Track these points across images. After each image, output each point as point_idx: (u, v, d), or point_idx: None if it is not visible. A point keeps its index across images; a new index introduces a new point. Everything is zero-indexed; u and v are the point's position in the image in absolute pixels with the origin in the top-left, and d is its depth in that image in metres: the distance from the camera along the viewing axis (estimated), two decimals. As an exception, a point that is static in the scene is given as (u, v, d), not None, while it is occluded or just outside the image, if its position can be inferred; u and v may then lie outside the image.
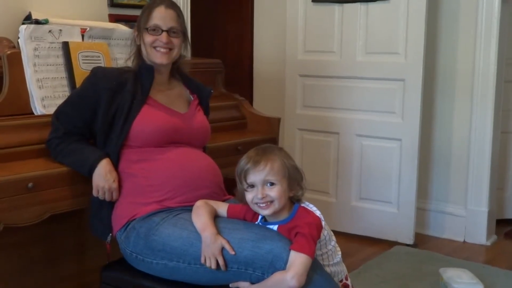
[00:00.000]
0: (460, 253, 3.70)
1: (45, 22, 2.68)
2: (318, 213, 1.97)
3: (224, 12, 5.12)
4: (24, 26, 2.49)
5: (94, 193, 2.15)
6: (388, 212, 3.88)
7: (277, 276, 1.85)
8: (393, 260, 3.51)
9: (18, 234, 2.34)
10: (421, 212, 3.99)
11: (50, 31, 2.56)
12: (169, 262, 2.00)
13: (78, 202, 2.26)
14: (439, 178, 4.01)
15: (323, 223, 1.95)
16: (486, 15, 3.70)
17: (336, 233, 3.83)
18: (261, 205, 1.91)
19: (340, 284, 2.10)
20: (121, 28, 2.93)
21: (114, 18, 3.34)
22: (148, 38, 2.28)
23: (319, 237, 1.93)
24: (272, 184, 1.90)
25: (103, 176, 2.13)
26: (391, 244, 3.79)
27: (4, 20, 2.84)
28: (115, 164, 2.20)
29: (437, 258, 3.54)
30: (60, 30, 2.59)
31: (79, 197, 2.25)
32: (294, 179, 1.94)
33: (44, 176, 2.14)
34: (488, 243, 3.86)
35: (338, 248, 2.14)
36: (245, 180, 1.92)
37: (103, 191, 2.13)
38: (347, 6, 3.90)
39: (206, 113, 2.50)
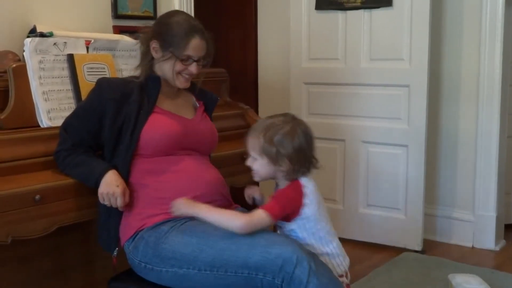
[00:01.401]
0: (469, 258, 3.69)
1: (50, 35, 2.68)
2: (307, 191, 2.04)
3: (228, 20, 5.13)
4: (29, 39, 2.50)
5: (100, 200, 2.14)
6: (396, 219, 3.87)
7: (231, 214, 2.01)
8: (401, 267, 3.50)
9: (26, 246, 2.34)
10: (429, 218, 3.98)
11: (55, 43, 2.57)
12: (179, 269, 2.00)
13: (85, 214, 2.25)
14: (446, 184, 4.00)
15: (307, 200, 2.01)
16: (490, 19, 3.70)
17: (344, 240, 3.81)
18: (252, 172, 2.10)
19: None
20: (126, 39, 2.94)
21: (118, 30, 3.35)
22: (179, 66, 2.24)
23: (292, 206, 2.00)
24: (253, 157, 2.07)
25: (108, 182, 2.12)
26: (399, 250, 3.78)
27: (9, 33, 2.86)
28: (126, 175, 2.19)
29: (446, 264, 3.52)
30: (65, 42, 2.60)
31: (86, 209, 2.25)
32: (275, 159, 2.02)
33: (51, 188, 2.14)
34: (497, 248, 3.84)
35: (332, 239, 2.11)
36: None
37: (108, 197, 2.11)
38: (351, 13, 3.91)
39: (211, 120, 2.51)
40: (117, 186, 2.11)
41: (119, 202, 2.11)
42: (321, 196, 2.11)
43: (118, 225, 2.20)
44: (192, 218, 2.10)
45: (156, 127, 2.21)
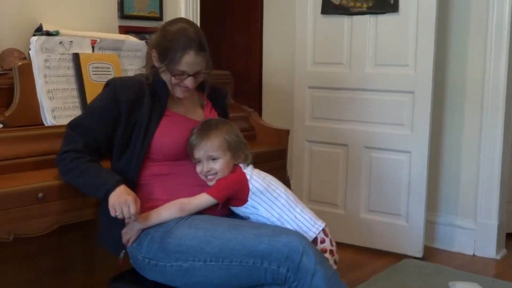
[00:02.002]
0: (470, 266, 3.68)
1: (56, 33, 2.69)
2: (247, 170, 2.19)
3: (233, 23, 5.13)
4: (35, 38, 2.51)
5: (112, 213, 2.04)
6: (397, 225, 3.87)
7: (169, 205, 2.10)
8: (402, 273, 3.49)
9: (28, 244, 2.34)
10: (430, 225, 3.97)
11: (60, 42, 2.57)
12: (183, 263, 2.00)
13: (87, 213, 2.25)
14: (449, 191, 4.00)
15: (247, 177, 2.15)
16: (496, 26, 3.69)
17: (345, 246, 3.89)
18: (209, 177, 2.16)
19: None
20: (131, 39, 2.94)
21: (124, 30, 3.36)
22: (174, 80, 2.21)
23: (234, 187, 2.14)
24: (215, 158, 2.15)
25: (118, 194, 2.04)
26: (400, 257, 3.77)
27: (15, 31, 2.86)
28: (136, 179, 2.17)
29: (447, 271, 3.51)
30: (71, 41, 2.61)
31: (88, 208, 2.25)
32: (237, 150, 2.19)
33: (54, 187, 2.14)
34: (498, 257, 3.83)
35: (295, 206, 2.18)
36: (193, 156, 2.17)
37: (119, 206, 2.01)
38: (356, 18, 3.91)
39: (226, 116, 2.49)
40: (128, 194, 2.05)
41: (132, 209, 2.01)
42: (264, 173, 2.24)
43: (122, 226, 2.16)
44: (198, 213, 2.12)
45: (168, 134, 2.20)
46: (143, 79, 2.28)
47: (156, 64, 2.26)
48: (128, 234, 2.13)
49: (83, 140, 2.15)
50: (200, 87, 2.39)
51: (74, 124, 2.20)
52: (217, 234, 2.00)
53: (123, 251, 2.20)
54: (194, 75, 2.22)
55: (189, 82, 2.21)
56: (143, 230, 2.11)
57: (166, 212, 2.10)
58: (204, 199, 2.12)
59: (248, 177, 2.16)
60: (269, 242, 1.93)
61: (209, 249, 1.98)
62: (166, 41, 2.21)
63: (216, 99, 2.47)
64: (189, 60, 2.18)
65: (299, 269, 1.90)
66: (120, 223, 2.14)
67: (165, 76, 2.25)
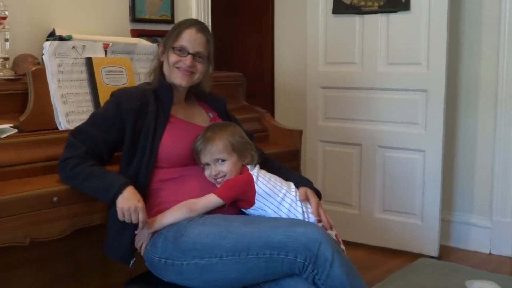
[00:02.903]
0: (486, 265, 3.66)
1: (69, 38, 2.71)
2: (253, 171, 2.21)
3: (244, 24, 5.14)
4: (48, 43, 2.53)
5: (120, 216, 2.06)
6: (412, 224, 3.85)
7: (179, 205, 2.12)
8: (418, 273, 3.48)
9: (43, 248, 2.35)
10: (446, 224, 3.95)
11: (73, 47, 2.59)
12: (200, 260, 2.00)
13: (102, 216, 2.26)
14: (464, 189, 3.97)
15: (253, 178, 2.17)
16: (509, 23, 3.66)
17: (360, 246, 3.88)
18: (218, 180, 2.19)
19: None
20: (143, 42, 2.96)
21: (136, 33, 3.37)
22: (173, 57, 2.26)
23: (241, 188, 2.16)
24: (222, 160, 2.18)
25: (126, 198, 2.05)
26: (415, 256, 3.76)
27: (29, 37, 2.88)
28: (146, 187, 2.17)
29: (463, 270, 3.49)
30: (84, 46, 2.63)
31: (103, 212, 2.25)
32: (242, 151, 2.22)
33: (69, 191, 2.15)
34: (515, 255, 3.81)
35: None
36: (200, 160, 2.20)
37: (128, 212, 2.04)
38: (368, 17, 3.90)
39: (234, 120, 2.50)
40: (138, 201, 2.05)
41: (141, 217, 2.04)
42: (270, 174, 2.26)
43: (132, 234, 2.16)
44: (210, 213, 2.13)
45: (174, 141, 2.21)
46: (147, 87, 2.31)
47: (160, 55, 2.33)
48: (140, 241, 2.15)
49: (85, 147, 2.16)
50: (201, 99, 2.45)
51: (76, 132, 2.22)
52: (231, 229, 2.01)
53: (134, 259, 2.19)
54: (194, 55, 2.25)
55: (188, 60, 2.25)
56: (155, 232, 2.12)
57: (175, 213, 2.11)
58: (211, 200, 2.13)
59: (254, 178, 2.17)
60: (285, 233, 1.94)
61: (224, 244, 1.98)
62: (171, 29, 2.32)
63: (218, 109, 2.49)
64: (189, 36, 2.26)
65: (318, 257, 1.91)
66: (128, 231, 2.15)
67: (168, 63, 2.28)
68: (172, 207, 2.13)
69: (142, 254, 2.17)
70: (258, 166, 2.26)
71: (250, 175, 2.19)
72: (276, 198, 2.16)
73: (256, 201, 2.15)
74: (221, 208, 2.15)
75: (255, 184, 2.16)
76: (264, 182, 2.18)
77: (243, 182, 2.17)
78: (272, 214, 2.15)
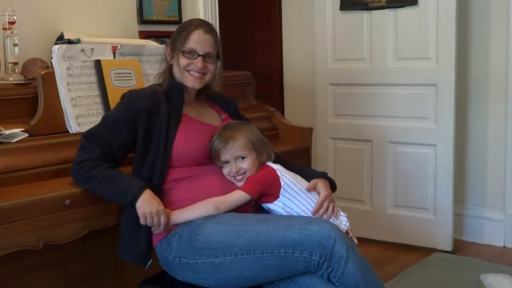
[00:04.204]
0: (501, 258, 3.64)
1: (77, 41, 2.72)
2: (274, 166, 2.24)
3: (252, 23, 5.14)
4: (57, 46, 2.54)
5: (142, 221, 2.07)
6: (425, 219, 3.84)
7: (205, 201, 2.12)
8: (432, 267, 3.47)
9: (57, 251, 2.36)
10: (459, 218, 3.94)
11: (82, 50, 2.60)
12: (214, 259, 2.01)
13: (115, 218, 2.27)
14: (476, 183, 3.96)
15: (278, 173, 2.20)
16: (518, 16, 3.65)
17: (373, 242, 3.88)
18: (237, 177, 2.21)
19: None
20: (152, 44, 2.96)
21: (144, 35, 3.38)
22: (183, 61, 2.27)
23: (266, 183, 2.17)
24: (243, 158, 2.20)
25: (147, 201, 2.07)
26: (429, 251, 3.75)
27: (38, 41, 2.89)
28: (160, 187, 2.18)
29: (477, 264, 3.48)
30: (92, 48, 2.64)
31: (116, 213, 2.26)
32: (260, 149, 2.25)
33: (81, 193, 2.15)
34: (529, 248, 3.79)
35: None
36: (219, 159, 2.21)
37: (151, 216, 2.06)
38: (375, 12, 3.89)
39: (245, 120, 2.50)
40: (159, 204, 2.08)
41: (162, 220, 2.07)
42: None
43: (148, 236, 2.17)
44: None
45: (187, 141, 2.22)
46: (157, 88, 2.32)
47: (169, 58, 2.34)
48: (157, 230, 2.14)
49: (100, 149, 2.16)
50: (212, 100, 2.46)
51: (89, 134, 2.21)
52: (246, 227, 2.01)
53: (151, 260, 2.19)
54: (204, 56, 2.27)
55: (199, 62, 2.26)
56: (170, 229, 2.13)
57: (201, 208, 2.11)
58: (238, 196, 2.14)
59: (279, 173, 2.19)
60: (300, 231, 1.94)
61: (239, 242, 1.98)
62: (177, 31, 2.32)
63: (230, 110, 2.50)
64: (198, 38, 2.27)
65: (333, 255, 1.91)
66: (144, 232, 2.15)
67: (176, 65, 2.29)
68: (199, 203, 2.13)
69: (155, 247, 2.18)
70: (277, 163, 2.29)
71: (274, 170, 2.21)
72: (300, 193, 2.19)
73: (280, 195, 2.16)
74: (248, 204, 2.16)
75: (280, 179, 2.17)
76: (289, 177, 2.20)
77: (268, 177, 2.19)
78: (295, 208, 2.16)
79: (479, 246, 3.88)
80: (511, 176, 3.79)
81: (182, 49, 2.27)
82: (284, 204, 2.16)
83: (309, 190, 2.21)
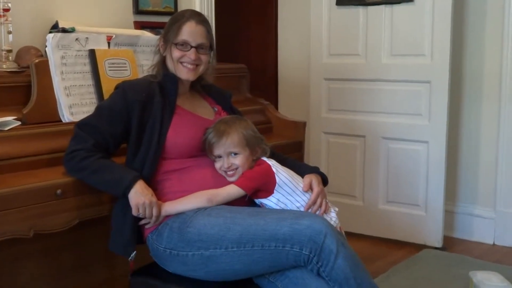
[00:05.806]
0: (490, 256, 3.66)
1: (72, 30, 2.71)
2: (270, 162, 2.23)
3: (248, 16, 5.13)
4: (51, 35, 2.53)
5: (134, 212, 2.08)
6: (416, 215, 3.85)
7: (198, 193, 2.12)
8: (421, 264, 3.48)
9: (48, 240, 2.36)
10: (449, 215, 3.95)
11: (77, 39, 2.59)
12: (205, 251, 2.01)
13: (106, 208, 2.26)
14: (467, 180, 3.97)
15: (273, 169, 2.19)
16: (513, 14, 3.66)
17: (364, 237, 3.89)
18: (229, 172, 2.19)
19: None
20: (147, 35, 2.95)
21: (139, 25, 3.37)
22: (176, 53, 2.27)
23: (262, 179, 2.17)
24: (235, 154, 2.19)
25: (140, 192, 2.08)
26: (419, 247, 3.76)
27: (32, 29, 2.88)
28: (152, 177, 2.18)
29: (467, 261, 3.50)
30: (87, 38, 2.62)
31: (107, 203, 2.26)
32: (254, 145, 2.23)
33: (72, 183, 2.15)
34: (518, 246, 3.81)
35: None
36: (212, 153, 2.21)
37: (143, 207, 2.07)
38: (372, 8, 3.89)
39: (238, 114, 2.50)
40: (152, 195, 2.09)
41: (155, 211, 2.09)
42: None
43: (133, 227, 2.15)
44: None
45: (181, 132, 2.22)
46: (152, 79, 2.32)
47: (162, 50, 2.33)
48: (147, 221, 2.14)
49: (93, 139, 2.16)
50: (206, 92, 2.46)
51: (82, 124, 2.21)
52: (237, 220, 2.01)
53: (134, 252, 2.16)
54: (197, 47, 2.26)
55: (192, 54, 2.26)
56: (161, 221, 2.13)
57: (194, 200, 2.11)
58: (233, 190, 2.14)
59: (274, 170, 2.19)
60: (291, 225, 1.94)
61: (230, 235, 1.99)
62: (169, 23, 2.32)
63: (224, 103, 2.50)
64: (190, 29, 2.26)
65: (322, 250, 1.91)
66: (129, 223, 2.14)
67: (169, 58, 2.29)
68: (192, 195, 2.13)
69: (147, 239, 2.18)
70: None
71: (269, 166, 2.20)
72: (295, 190, 2.19)
73: (274, 191, 2.16)
74: (241, 199, 2.16)
75: (275, 175, 2.17)
76: (284, 174, 2.20)
77: (264, 173, 2.18)
78: (289, 205, 2.17)
79: (469, 243, 3.90)
80: (502, 174, 3.81)
81: (174, 41, 2.27)
82: (278, 200, 2.17)
83: (306, 191, 2.21)
